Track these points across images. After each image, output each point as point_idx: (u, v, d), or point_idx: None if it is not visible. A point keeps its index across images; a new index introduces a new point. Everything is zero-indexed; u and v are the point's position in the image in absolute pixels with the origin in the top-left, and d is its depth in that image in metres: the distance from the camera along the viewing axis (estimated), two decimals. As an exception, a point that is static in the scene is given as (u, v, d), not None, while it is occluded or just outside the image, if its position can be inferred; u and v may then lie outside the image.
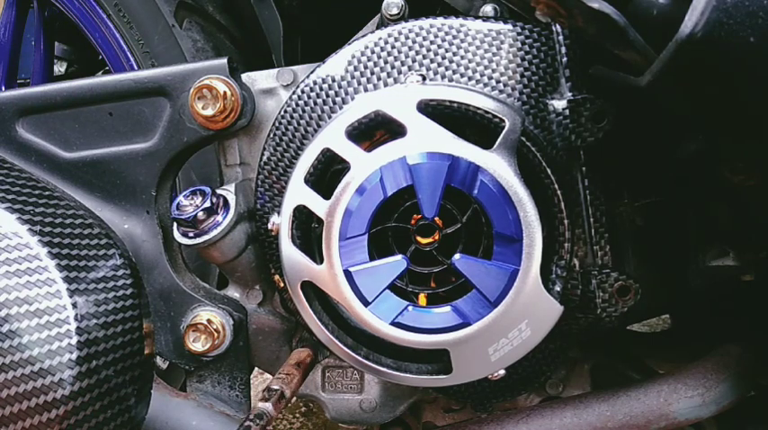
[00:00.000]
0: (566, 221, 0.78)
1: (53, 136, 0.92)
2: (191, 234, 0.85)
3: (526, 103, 0.80)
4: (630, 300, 0.80)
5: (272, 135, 0.86)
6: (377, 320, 0.76)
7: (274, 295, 0.94)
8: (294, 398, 0.91)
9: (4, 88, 1.59)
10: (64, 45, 1.84)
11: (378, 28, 0.84)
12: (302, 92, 0.84)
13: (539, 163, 0.77)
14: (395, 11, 0.85)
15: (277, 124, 0.85)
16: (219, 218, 0.85)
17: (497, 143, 0.74)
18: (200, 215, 0.84)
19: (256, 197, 0.87)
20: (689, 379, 0.84)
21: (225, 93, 0.85)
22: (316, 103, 0.84)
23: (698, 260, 0.89)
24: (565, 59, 0.79)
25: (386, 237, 0.80)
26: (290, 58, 1.25)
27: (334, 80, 0.83)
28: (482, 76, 0.80)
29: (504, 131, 0.74)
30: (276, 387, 0.80)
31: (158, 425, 0.89)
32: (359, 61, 0.83)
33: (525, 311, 0.75)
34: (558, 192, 0.78)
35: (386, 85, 0.82)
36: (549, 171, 0.77)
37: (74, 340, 0.74)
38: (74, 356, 0.73)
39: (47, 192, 0.84)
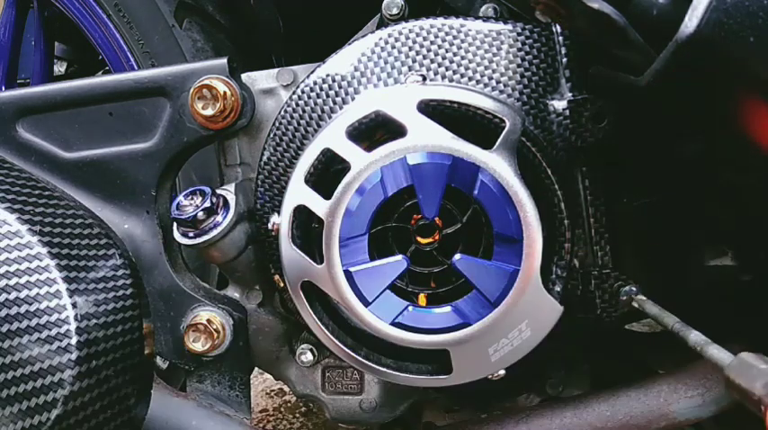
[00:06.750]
0: (566, 221, 0.78)
1: (53, 136, 0.92)
2: (191, 234, 0.85)
3: (526, 103, 0.79)
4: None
5: (272, 135, 0.86)
6: (377, 320, 0.76)
7: (274, 295, 0.94)
8: (294, 398, 0.91)
9: (4, 88, 1.59)
10: (64, 45, 1.84)
11: (378, 28, 0.84)
12: (302, 92, 0.84)
13: (539, 163, 0.77)
14: (395, 11, 0.85)
15: (277, 124, 0.85)
16: (219, 218, 0.85)
17: (497, 143, 0.74)
18: (200, 215, 0.84)
19: (256, 197, 0.87)
20: (689, 379, 0.84)
21: (225, 93, 0.85)
22: (316, 103, 0.84)
23: (698, 260, 0.89)
24: (565, 59, 0.79)
25: (386, 237, 0.80)
26: (290, 58, 1.25)
27: (334, 80, 0.83)
28: (482, 76, 0.80)
29: (504, 132, 0.74)
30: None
31: (158, 425, 0.89)
32: (359, 61, 0.83)
33: (525, 311, 0.75)
34: (558, 192, 0.78)
35: (386, 85, 0.82)
36: (549, 171, 0.77)
37: (74, 340, 0.74)
38: (74, 356, 0.73)
39: (47, 192, 0.84)
